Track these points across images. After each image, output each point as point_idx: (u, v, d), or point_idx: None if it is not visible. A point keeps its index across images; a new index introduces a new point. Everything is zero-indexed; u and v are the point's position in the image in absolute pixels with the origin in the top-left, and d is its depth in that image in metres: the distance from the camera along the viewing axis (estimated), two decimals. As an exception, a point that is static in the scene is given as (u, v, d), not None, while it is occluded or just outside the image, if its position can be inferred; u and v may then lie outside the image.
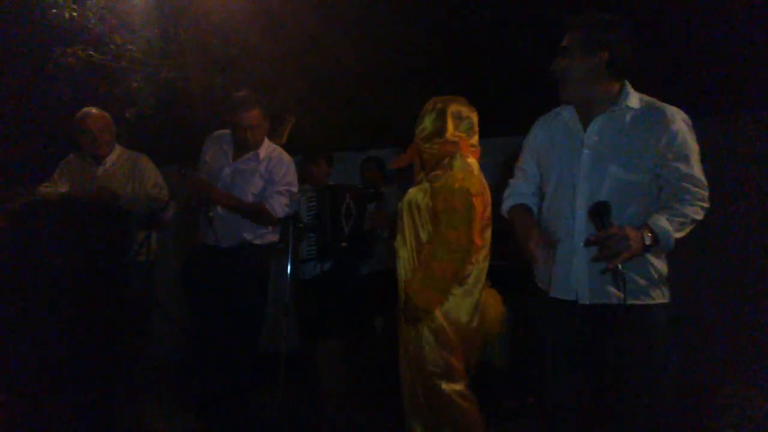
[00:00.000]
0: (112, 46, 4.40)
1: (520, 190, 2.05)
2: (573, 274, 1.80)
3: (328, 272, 3.54)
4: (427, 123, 2.19)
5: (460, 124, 2.17)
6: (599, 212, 1.66)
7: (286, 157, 2.84)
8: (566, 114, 1.91)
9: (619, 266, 1.60)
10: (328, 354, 3.40)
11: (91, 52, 4.36)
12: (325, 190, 3.43)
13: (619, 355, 1.73)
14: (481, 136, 2.28)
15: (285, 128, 3.48)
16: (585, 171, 1.79)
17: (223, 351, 2.63)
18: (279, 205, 2.77)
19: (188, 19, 4.49)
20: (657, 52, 3.78)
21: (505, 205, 2.06)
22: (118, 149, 3.23)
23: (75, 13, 4.16)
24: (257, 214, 2.71)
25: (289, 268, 3.13)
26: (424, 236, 2.14)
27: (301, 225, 3.27)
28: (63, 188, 2.96)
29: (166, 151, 3.60)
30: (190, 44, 4.57)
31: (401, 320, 2.22)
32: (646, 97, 1.82)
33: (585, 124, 1.84)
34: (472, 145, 2.22)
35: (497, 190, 2.19)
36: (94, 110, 3.18)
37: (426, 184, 2.16)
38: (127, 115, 4.38)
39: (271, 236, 2.88)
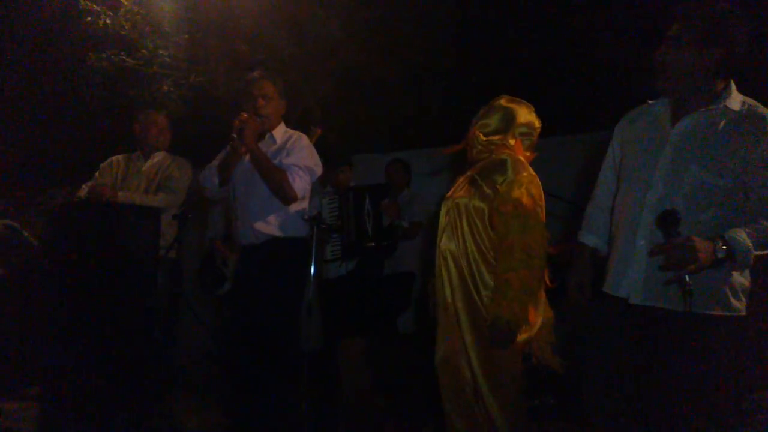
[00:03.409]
0: (144, 51, 4.55)
1: (598, 202, 1.99)
2: (629, 272, 1.73)
3: (352, 272, 3.59)
4: (493, 120, 2.12)
5: (522, 131, 2.13)
6: (667, 221, 1.57)
7: (306, 140, 2.73)
8: (658, 107, 1.80)
9: (686, 277, 1.50)
10: (351, 353, 3.44)
11: (124, 57, 4.52)
12: (348, 192, 3.49)
13: (669, 363, 1.64)
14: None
15: (311, 139, 3.52)
16: (663, 169, 1.69)
17: (252, 349, 2.62)
18: (300, 181, 2.57)
19: (217, 25, 4.61)
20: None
21: (581, 236, 2.01)
22: (163, 152, 3.43)
23: (109, 21, 4.32)
24: (277, 180, 2.54)
25: (312, 268, 3.19)
26: (488, 244, 2.03)
27: (324, 226, 3.32)
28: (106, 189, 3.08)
29: (194, 154, 3.70)
30: (219, 49, 4.69)
31: (443, 322, 2.09)
32: (750, 101, 1.67)
33: (675, 120, 1.72)
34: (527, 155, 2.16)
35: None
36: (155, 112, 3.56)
37: (488, 190, 2.03)
38: (157, 118, 4.51)
39: (297, 230, 2.74)
